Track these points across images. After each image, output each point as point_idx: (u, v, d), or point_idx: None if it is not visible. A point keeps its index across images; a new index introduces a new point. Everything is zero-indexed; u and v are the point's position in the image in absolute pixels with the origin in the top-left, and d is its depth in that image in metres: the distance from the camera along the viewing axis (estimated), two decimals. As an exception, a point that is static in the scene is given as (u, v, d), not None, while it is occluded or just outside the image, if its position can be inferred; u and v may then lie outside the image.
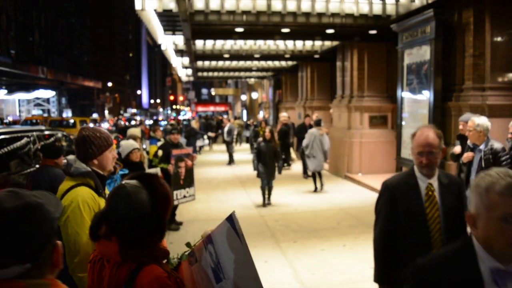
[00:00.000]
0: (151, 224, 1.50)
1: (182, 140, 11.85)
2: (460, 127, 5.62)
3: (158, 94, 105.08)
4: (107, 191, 2.44)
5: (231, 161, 14.55)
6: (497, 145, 4.46)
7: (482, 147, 4.51)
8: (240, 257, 1.41)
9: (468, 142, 4.73)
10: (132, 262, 1.46)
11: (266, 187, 8.12)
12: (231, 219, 1.45)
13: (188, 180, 6.83)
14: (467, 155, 4.63)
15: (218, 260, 1.48)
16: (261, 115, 22.13)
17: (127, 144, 4.99)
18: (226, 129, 15.50)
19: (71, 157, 2.32)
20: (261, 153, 7.96)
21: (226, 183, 10.75)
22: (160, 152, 6.46)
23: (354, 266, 5.06)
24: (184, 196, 6.66)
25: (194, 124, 16.09)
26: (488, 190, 1.29)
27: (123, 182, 1.56)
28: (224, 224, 1.47)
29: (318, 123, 9.51)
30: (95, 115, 45.74)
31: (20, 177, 5.69)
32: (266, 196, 8.19)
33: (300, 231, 6.51)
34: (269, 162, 7.97)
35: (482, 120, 4.53)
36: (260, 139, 8.22)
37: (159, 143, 7.56)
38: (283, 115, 12.85)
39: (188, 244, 1.66)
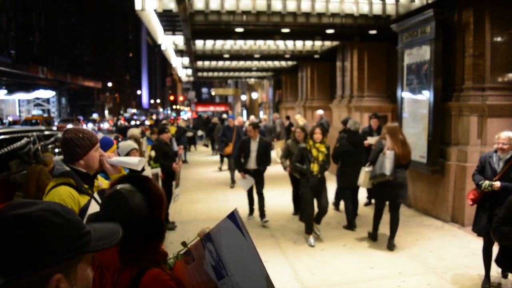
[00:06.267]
0: (151, 228, 1.49)
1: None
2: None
3: (158, 94, 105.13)
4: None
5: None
6: None
7: None
8: (245, 253, 1.44)
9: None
10: (133, 267, 1.45)
11: None
12: (233, 217, 1.46)
13: (179, 179, 6.95)
14: None
15: (220, 257, 1.49)
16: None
17: (125, 145, 5.01)
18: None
19: (55, 158, 2.38)
20: None
21: (226, 183, 10.74)
22: (152, 153, 6.51)
23: (354, 266, 5.06)
24: (177, 195, 6.74)
25: (182, 124, 16.05)
26: None
27: (117, 187, 1.53)
28: (225, 221, 1.49)
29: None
30: (95, 115, 45.80)
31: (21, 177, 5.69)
32: None
33: (300, 231, 6.51)
34: None
35: None
36: None
37: None
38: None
39: (183, 243, 1.66)
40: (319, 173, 5.83)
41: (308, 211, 5.92)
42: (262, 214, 7.02)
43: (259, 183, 7.15)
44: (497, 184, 4.20)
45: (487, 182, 4.28)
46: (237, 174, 8.24)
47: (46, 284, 0.87)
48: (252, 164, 7.14)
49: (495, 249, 4.18)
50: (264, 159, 7.09)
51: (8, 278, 0.84)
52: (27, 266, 0.85)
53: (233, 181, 10.39)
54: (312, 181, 5.81)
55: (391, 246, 5.57)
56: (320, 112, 12.03)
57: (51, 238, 0.88)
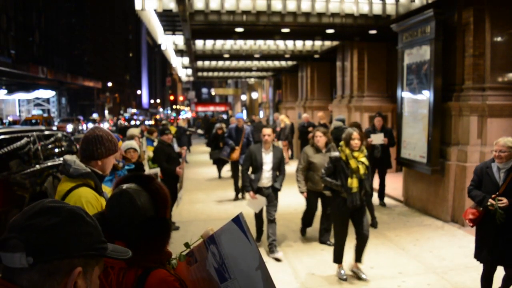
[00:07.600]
0: (157, 227, 1.49)
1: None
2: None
3: (158, 94, 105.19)
4: (108, 190, 2.46)
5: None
6: None
7: None
8: (249, 257, 1.44)
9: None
10: (138, 267, 1.45)
11: None
12: (238, 220, 1.46)
13: (182, 181, 6.89)
14: None
15: (223, 260, 1.49)
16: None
17: (124, 145, 5.04)
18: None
19: (68, 157, 2.25)
20: None
21: (226, 183, 10.74)
22: (151, 153, 6.52)
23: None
24: (179, 198, 6.69)
25: (182, 123, 16.02)
26: None
27: (123, 186, 1.52)
28: (229, 224, 1.49)
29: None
30: (95, 115, 45.78)
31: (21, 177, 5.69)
32: None
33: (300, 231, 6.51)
34: None
35: None
36: None
37: (155, 144, 7.55)
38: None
39: (186, 244, 1.65)
40: (360, 191, 4.57)
41: (340, 241, 4.71)
42: (272, 246, 5.43)
43: (272, 204, 5.63)
44: (505, 201, 3.54)
45: (493, 202, 3.60)
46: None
47: (69, 274, 0.94)
48: (265, 180, 5.58)
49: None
50: (278, 173, 5.66)
51: (37, 259, 0.90)
52: (56, 252, 0.92)
53: (238, 193, 8.98)
54: (351, 201, 4.52)
55: (374, 224, 6.57)
56: (305, 115, 12.26)
57: (81, 231, 0.97)
